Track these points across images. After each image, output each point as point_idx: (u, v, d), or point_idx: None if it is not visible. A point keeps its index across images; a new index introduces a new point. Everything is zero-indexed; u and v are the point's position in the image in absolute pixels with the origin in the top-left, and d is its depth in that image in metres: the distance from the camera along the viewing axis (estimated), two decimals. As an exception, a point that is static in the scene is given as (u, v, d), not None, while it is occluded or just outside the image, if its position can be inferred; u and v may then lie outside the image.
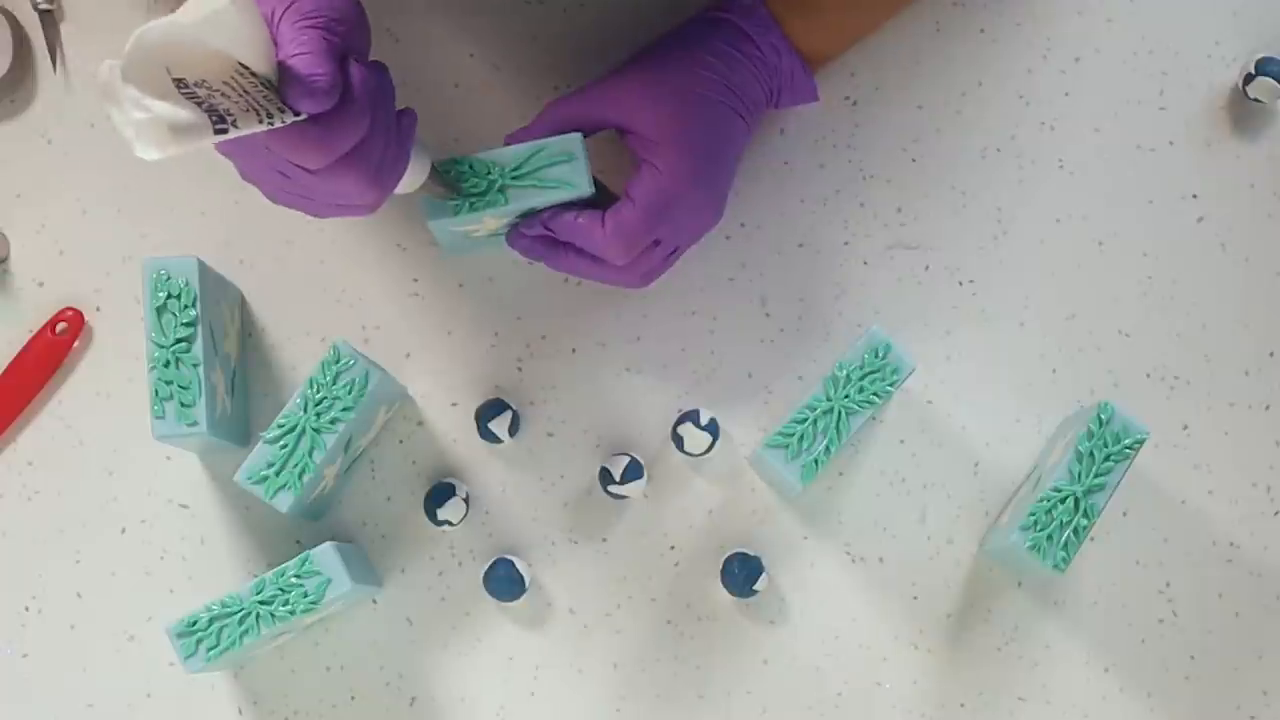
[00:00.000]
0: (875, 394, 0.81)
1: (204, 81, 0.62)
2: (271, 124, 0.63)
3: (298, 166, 0.68)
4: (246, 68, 0.63)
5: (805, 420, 0.81)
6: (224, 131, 0.62)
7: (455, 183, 0.80)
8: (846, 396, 0.81)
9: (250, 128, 0.62)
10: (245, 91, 0.63)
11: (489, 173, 0.80)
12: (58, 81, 0.90)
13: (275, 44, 0.65)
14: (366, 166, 0.69)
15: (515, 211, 0.81)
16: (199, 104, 0.61)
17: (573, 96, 0.83)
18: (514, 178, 0.80)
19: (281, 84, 0.64)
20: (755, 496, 0.87)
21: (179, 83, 0.61)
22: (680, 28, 0.83)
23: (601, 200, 0.82)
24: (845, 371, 0.81)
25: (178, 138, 0.61)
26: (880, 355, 0.81)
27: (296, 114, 0.64)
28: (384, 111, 0.70)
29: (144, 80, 0.61)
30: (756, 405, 0.88)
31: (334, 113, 0.66)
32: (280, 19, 0.66)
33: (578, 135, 0.80)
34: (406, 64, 0.90)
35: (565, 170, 0.80)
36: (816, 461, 0.80)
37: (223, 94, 0.62)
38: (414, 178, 0.77)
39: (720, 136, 0.81)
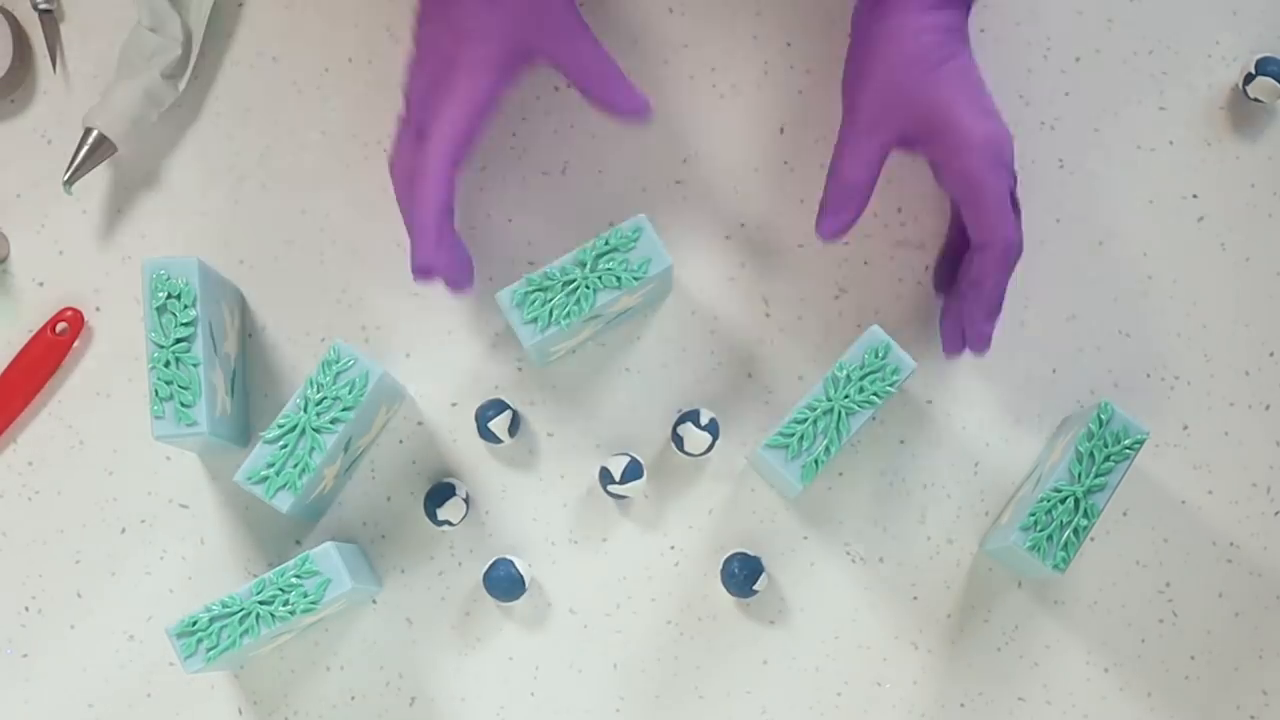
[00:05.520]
0: (875, 394, 0.81)
1: None
2: None
3: None
4: None
5: (805, 420, 0.81)
6: None
7: None
8: (846, 396, 0.81)
9: None
10: None
11: (570, 278, 0.80)
12: (58, 81, 0.90)
13: None
14: None
15: (606, 309, 0.81)
16: None
17: (860, 132, 0.82)
18: (595, 274, 0.80)
19: None
20: (755, 496, 0.87)
21: None
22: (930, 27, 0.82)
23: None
24: (845, 371, 0.81)
25: None
26: (880, 355, 0.81)
27: None
28: None
29: None
30: (756, 405, 0.88)
31: None
32: None
33: (642, 216, 0.81)
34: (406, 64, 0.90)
35: (642, 249, 0.80)
36: (817, 461, 0.80)
37: None
38: None
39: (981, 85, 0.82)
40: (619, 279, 0.80)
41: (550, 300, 0.80)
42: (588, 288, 0.80)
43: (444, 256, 0.79)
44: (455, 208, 0.80)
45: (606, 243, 0.81)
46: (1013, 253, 0.81)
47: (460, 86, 0.79)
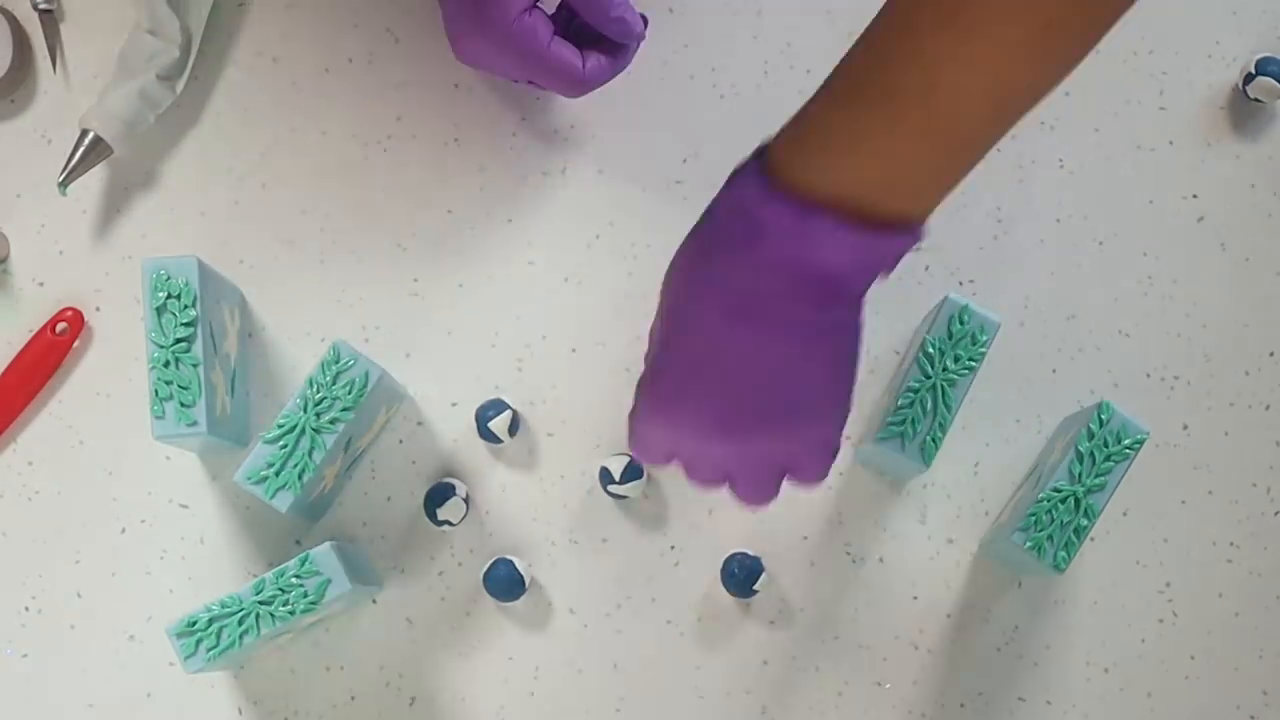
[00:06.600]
0: (970, 359, 0.81)
1: None
2: None
3: None
4: None
5: (910, 404, 0.80)
6: None
7: None
8: (945, 370, 0.80)
9: None
10: None
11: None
12: (58, 81, 0.90)
13: None
14: None
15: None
16: None
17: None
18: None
19: None
20: (755, 496, 0.87)
21: None
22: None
23: None
24: (935, 347, 0.81)
25: None
26: (964, 321, 0.81)
27: None
28: None
29: None
30: (756, 405, 0.88)
31: None
32: None
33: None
34: (406, 64, 0.90)
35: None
36: (933, 439, 0.80)
37: None
38: None
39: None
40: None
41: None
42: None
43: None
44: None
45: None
46: None
47: None
